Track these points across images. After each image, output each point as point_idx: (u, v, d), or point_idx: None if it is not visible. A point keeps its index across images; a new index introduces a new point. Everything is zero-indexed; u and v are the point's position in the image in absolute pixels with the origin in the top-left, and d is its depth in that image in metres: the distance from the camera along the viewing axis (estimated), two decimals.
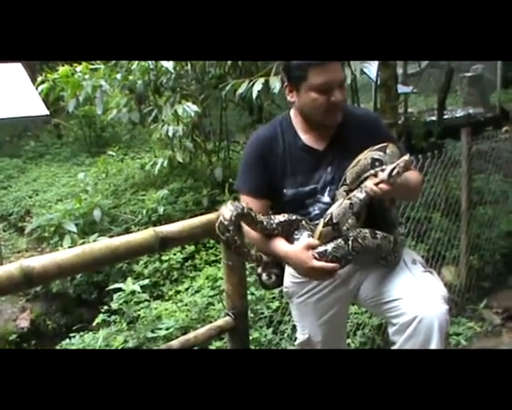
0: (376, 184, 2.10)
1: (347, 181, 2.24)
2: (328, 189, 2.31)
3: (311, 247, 2.12)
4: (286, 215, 2.24)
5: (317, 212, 2.31)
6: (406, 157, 2.12)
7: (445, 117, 9.44)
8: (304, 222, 2.24)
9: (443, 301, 2.15)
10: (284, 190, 2.31)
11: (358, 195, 2.15)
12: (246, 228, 2.26)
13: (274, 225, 2.22)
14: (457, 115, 10.55)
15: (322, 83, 2.19)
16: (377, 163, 2.19)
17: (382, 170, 2.14)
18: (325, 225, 2.13)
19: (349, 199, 2.15)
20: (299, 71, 2.22)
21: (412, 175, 2.33)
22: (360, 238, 2.16)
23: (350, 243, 2.14)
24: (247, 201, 2.32)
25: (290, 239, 2.23)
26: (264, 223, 2.22)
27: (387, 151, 2.21)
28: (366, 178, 2.19)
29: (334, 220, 2.12)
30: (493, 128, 7.74)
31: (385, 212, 2.32)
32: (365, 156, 2.22)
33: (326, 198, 2.31)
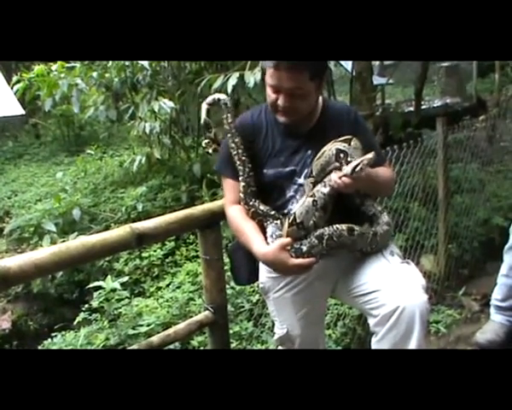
0: (340, 178, 2.11)
1: (313, 173, 2.24)
2: (305, 171, 2.32)
3: (285, 246, 2.14)
4: (267, 208, 2.28)
5: (292, 194, 2.33)
6: (371, 155, 2.12)
7: (423, 107, 9.48)
8: (276, 216, 2.27)
9: (423, 290, 2.17)
10: (265, 171, 2.32)
11: (322, 189, 2.15)
12: (232, 214, 2.34)
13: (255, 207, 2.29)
14: (435, 105, 10.61)
15: (270, 84, 2.24)
16: (342, 155, 2.18)
17: (347, 163, 2.15)
18: (290, 225, 2.14)
19: (312, 196, 2.15)
20: (263, 63, 2.31)
21: (382, 171, 2.35)
22: (335, 236, 2.17)
23: (324, 241, 2.15)
24: (227, 184, 2.40)
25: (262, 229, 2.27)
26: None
27: (352, 143, 2.21)
28: (331, 171, 2.19)
29: (298, 220, 2.12)
30: (470, 117, 7.77)
31: (360, 207, 2.33)
32: (330, 147, 2.22)
33: (301, 180, 2.32)
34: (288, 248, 2.14)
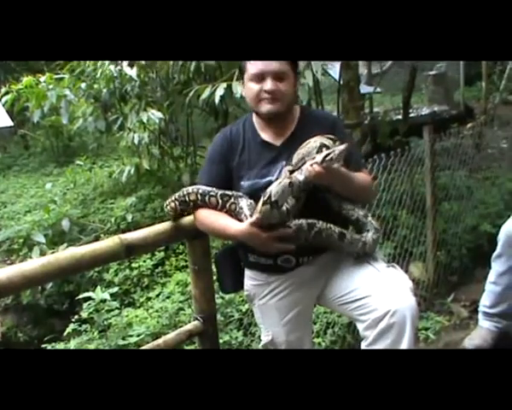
0: (311, 166, 2.12)
1: (292, 162, 2.25)
2: None
3: (256, 224, 2.14)
4: (218, 192, 2.29)
5: None
6: (343, 147, 2.14)
7: (411, 115, 9.53)
8: (239, 195, 2.28)
9: (411, 292, 2.20)
10: (242, 182, 2.33)
11: (298, 176, 2.15)
12: (202, 213, 2.34)
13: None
14: (423, 113, 10.64)
15: (255, 72, 2.27)
16: (324, 149, 2.20)
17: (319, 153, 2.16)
18: (264, 203, 2.11)
19: (289, 178, 2.15)
20: (244, 62, 2.34)
21: (359, 175, 2.35)
22: (325, 234, 2.20)
23: (313, 232, 2.18)
24: None
25: (232, 214, 2.28)
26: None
27: (337, 143, 2.23)
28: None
29: (273, 198, 2.09)
30: (458, 125, 7.82)
31: (340, 210, 2.33)
32: (315, 140, 2.24)
33: None
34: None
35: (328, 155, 2.11)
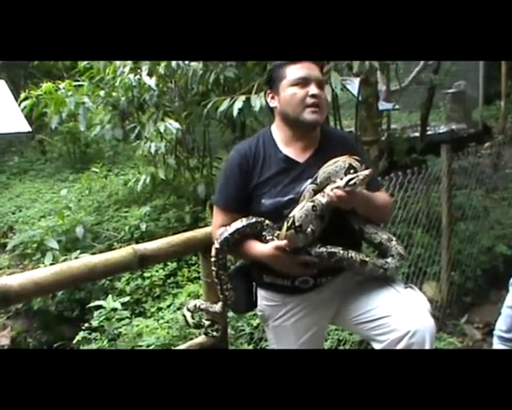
0: (332, 190, 2.10)
1: (318, 180, 2.21)
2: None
3: (280, 248, 2.14)
4: (244, 220, 2.25)
5: None
6: (367, 172, 2.11)
7: (428, 133, 9.52)
8: (266, 222, 2.25)
9: (429, 314, 2.18)
10: (262, 201, 2.27)
11: (321, 198, 2.13)
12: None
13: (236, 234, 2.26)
14: (440, 131, 10.63)
15: (300, 77, 2.25)
16: (352, 171, 2.16)
17: (341, 178, 2.13)
18: (288, 228, 2.11)
19: (312, 201, 2.13)
20: (278, 70, 2.30)
21: (380, 196, 2.34)
22: (346, 263, 2.20)
23: (333, 260, 2.18)
24: (220, 214, 2.36)
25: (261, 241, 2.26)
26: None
27: (363, 166, 2.20)
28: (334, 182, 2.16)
29: (297, 223, 2.09)
30: (476, 144, 7.79)
31: (363, 234, 2.30)
32: (344, 159, 2.20)
33: None
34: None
35: (352, 179, 2.08)
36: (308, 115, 2.25)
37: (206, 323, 2.41)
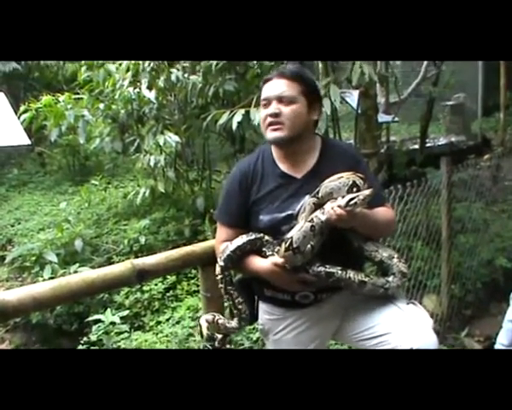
0: (332, 208, 2.08)
1: (319, 194, 2.18)
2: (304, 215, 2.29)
3: (278, 265, 2.15)
4: (244, 237, 2.26)
5: None
6: (368, 192, 2.09)
7: (428, 145, 9.51)
8: (266, 238, 2.25)
9: (432, 330, 2.17)
10: (260, 217, 2.27)
11: (320, 216, 2.11)
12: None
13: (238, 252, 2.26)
14: (440, 143, 10.62)
15: (263, 98, 2.28)
16: (355, 189, 2.14)
17: (343, 196, 2.12)
18: (286, 249, 2.10)
19: (310, 221, 2.11)
20: (261, 90, 2.34)
21: (382, 211, 2.32)
22: (344, 283, 2.19)
23: (331, 280, 2.17)
24: (222, 230, 2.37)
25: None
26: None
27: (366, 185, 2.18)
28: (335, 199, 2.14)
29: (295, 245, 2.08)
30: (475, 156, 7.80)
31: (363, 251, 2.28)
32: (348, 176, 2.17)
33: None
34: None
35: (353, 199, 2.06)
36: (269, 134, 2.27)
37: (219, 336, 2.39)
